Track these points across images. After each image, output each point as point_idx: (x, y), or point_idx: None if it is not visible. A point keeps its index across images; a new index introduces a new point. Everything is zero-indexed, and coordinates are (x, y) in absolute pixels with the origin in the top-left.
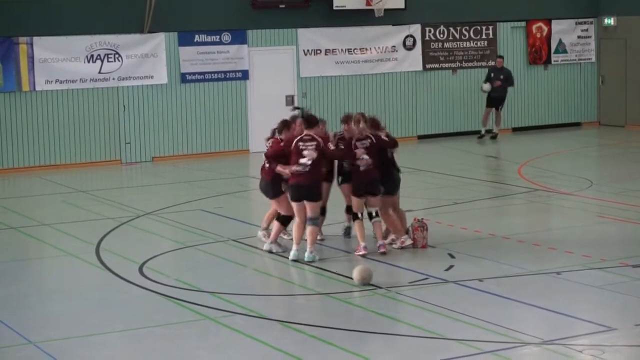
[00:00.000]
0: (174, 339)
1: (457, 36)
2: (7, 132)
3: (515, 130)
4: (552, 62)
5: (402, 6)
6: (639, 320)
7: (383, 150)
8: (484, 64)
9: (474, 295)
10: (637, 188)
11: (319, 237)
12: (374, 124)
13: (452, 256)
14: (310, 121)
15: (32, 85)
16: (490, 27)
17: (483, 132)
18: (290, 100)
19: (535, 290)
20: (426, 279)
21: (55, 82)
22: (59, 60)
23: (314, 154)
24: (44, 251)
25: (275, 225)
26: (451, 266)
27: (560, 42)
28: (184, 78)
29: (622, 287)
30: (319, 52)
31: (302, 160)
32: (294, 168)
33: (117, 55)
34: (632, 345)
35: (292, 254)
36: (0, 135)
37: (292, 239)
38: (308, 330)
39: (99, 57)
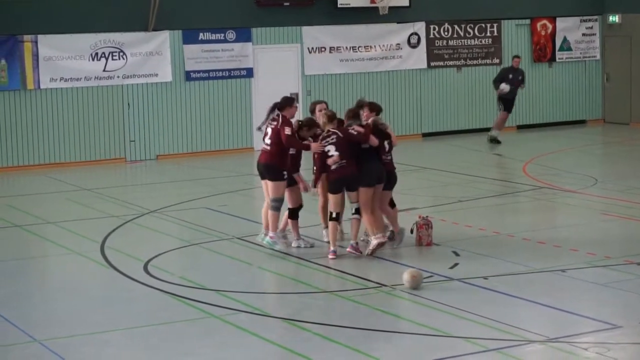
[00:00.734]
0: (179, 337)
1: (462, 34)
2: (11, 130)
3: (520, 128)
4: (557, 60)
5: (407, 4)
6: None
7: (356, 144)
8: (488, 61)
9: (478, 293)
10: None
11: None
12: (330, 118)
13: (456, 254)
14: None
15: (36, 83)
16: (495, 25)
17: (497, 136)
18: (294, 98)
19: (540, 288)
20: (431, 276)
21: (60, 80)
22: (64, 59)
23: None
24: (48, 249)
25: (290, 222)
26: (456, 264)
27: (564, 39)
28: (188, 76)
29: (627, 285)
30: (323, 49)
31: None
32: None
33: (121, 53)
34: (637, 342)
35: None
36: (5, 134)
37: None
38: (313, 329)
39: (103, 55)
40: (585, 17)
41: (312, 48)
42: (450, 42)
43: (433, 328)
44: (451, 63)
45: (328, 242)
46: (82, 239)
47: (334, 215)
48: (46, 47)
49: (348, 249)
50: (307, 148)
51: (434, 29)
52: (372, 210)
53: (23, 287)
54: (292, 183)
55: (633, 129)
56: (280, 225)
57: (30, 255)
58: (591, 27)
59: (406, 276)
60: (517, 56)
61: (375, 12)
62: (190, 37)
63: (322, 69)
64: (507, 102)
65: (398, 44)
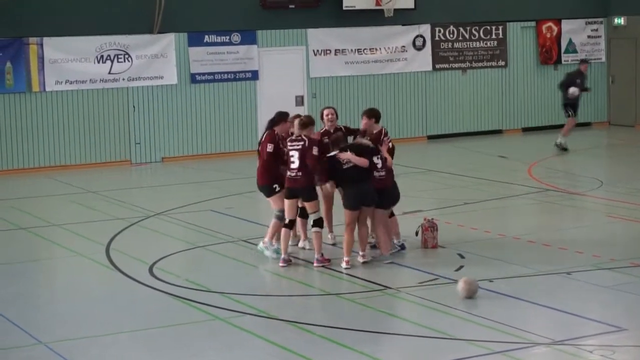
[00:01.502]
0: (184, 339)
1: (467, 36)
2: (17, 133)
3: (526, 130)
4: (563, 62)
5: (412, 6)
6: None
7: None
8: (493, 64)
9: (484, 295)
10: None
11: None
12: (303, 124)
13: (462, 256)
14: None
15: (42, 85)
16: (500, 27)
17: (565, 143)
18: (300, 100)
19: (545, 291)
20: (436, 279)
21: (65, 82)
22: (69, 61)
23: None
24: (53, 251)
25: (299, 220)
26: (461, 266)
27: (570, 41)
28: (193, 78)
29: (632, 287)
30: (328, 52)
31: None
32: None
33: (127, 56)
34: None
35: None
36: (11, 136)
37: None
38: (318, 331)
39: (108, 58)
40: (590, 20)
41: (318, 50)
42: (456, 45)
43: (438, 330)
44: (456, 65)
45: (333, 245)
46: (88, 241)
47: (286, 221)
48: (52, 50)
49: (315, 264)
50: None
51: (439, 31)
52: (359, 226)
53: (28, 289)
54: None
55: (638, 131)
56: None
57: (35, 257)
58: (596, 30)
59: (461, 284)
60: (586, 61)
61: (380, 15)
62: (195, 40)
63: (328, 71)
64: (575, 108)
65: (403, 46)
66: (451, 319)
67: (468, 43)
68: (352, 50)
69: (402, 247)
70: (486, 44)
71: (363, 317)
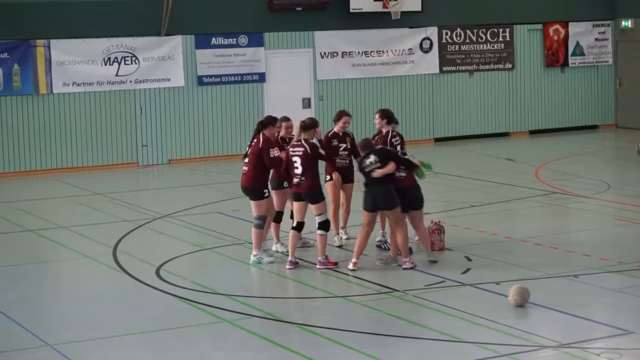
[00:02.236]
0: (191, 341)
1: (474, 39)
2: (24, 135)
3: (532, 132)
4: (569, 65)
5: (419, 9)
6: None
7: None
8: (500, 66)
9: (490, 298)
10: None
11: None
12: (305, 127)
13: (469, 259)
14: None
15: (49, 88)
16: (507, 30)
17: None
18: (307, 102)
19: (553, 294)
20: (443, 281)
21: (73, 84)
22: (76, 63)
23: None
24: (61, 253)
25: (274, 227)
26: (468, 269)
27: (577, 44)
28: (200, 81)
29: None
30: (335, 54)
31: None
32: None
33: (134, 58)
34: None
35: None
36: (18, 138)
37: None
38: (324, 333)
39: (116, 60)
40: (597, 22)
41: (325, 53)
42: (463, 47)
43: (445, 333)
44: (463, 68)
45: (340, 247)
46: (95, 243)
47: (294, 224)
48: (59, 52)
49: (317, 266)
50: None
51: (446, 33)
52: (367, 232)
53: (35, 291)
54: (279, 187)
55: None
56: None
57: (42, 259)
58: (604, 32)
59: (513, 293)
60: None
61: (387, 17)
62: (202, 42)
63: (335, 73)
64: None
65: (410, 48)
66: (458, 321)
67: (475, 45)
68: (359, 52)
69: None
70: (493, 46)
71: (370, 319)
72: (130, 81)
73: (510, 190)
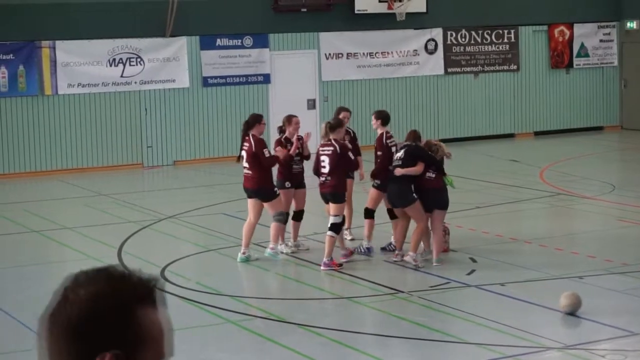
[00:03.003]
0: (195, 342)
1: (479, 40)
2: (29, 136)
3: (537, 134)
4: (574, 66)
5: (424, 10)
6: None
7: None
8: (505, 68)
9: (495, 299)
10: None
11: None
12: (331, 127)
13: (473, 260)
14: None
15: (54, 89)
16: (512, 31)
17: None
18: (311, 104)
19: (557, 295)
20: (448, 283)
21: (78, 85)
22: (81, 64)
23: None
24: (65, 254)
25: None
26: (473, 270)
27: (582, 45)
28: (205, 82)
29: None
30: (340, 55)
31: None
32: None
33: (139, 59)
34: None
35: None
36: (23, 139)
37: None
38: (329, 334)
39: (121, 61)
40: (602, 23)
41: (329, 54)
42: (468, 49)
43: (449, 334)
44: (468, 69)
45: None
46: (99, 244)
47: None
48: (64, 53)
49: (322, 267)
50: (281, 160)
51: (451, 35)
52: (402, 225)
53: (40, 293)
54: (282, 187)
55: None
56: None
57: (47, 260)
58: (609, 34)
59: (564, 300)
60: None
61: (392, 18)
62: (207, 43)
63: (339, 75)
64: None
65: (415, 50)
66: (463, 322)
67: (480, 47)
68: (364, 54)
69: (370, 250)
70: (498, 47)
71: (374, 320)
72: (135, 82)
73: (515, 192)
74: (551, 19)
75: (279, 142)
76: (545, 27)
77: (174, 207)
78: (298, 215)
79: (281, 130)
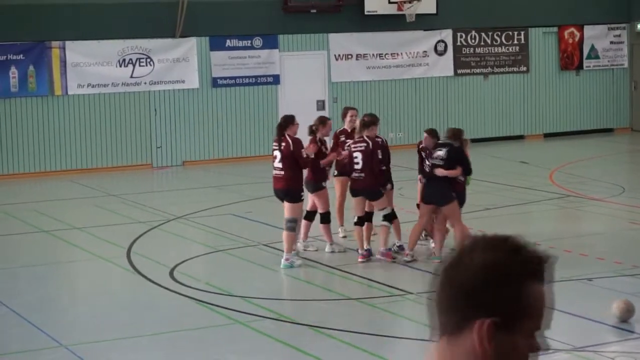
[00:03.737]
0: (205, 343)
1: (489, 41)
2: (39, 136)
3: (547, 136)
4: (584, 68)
5: (434, 11)
6: None
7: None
8: (515, 69)
9: None
10: None
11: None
12: (365, 124)
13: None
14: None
15: (64, 89)
16: (522, 33)
17: None
18: (321, 105)
19: (567, 297)
20: None
21: (87, 86)
22: (91, 65)
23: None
24: (75, 255)
25: (322, 227)
26: None
27: (592, 47)
28: (215, 82)
29: None
30: (350, 57)
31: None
32: None
33: (148, 60)
34: None
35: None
36: (33, 139)
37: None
38: (339, 336)
39: (130, 62)
40: (613, 25)
41: (339, 55)
42: (477, 50)
43: None
44: (478, 71)
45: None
46: (109, 244)
47: (355, 219)
48: (74, 54)
49: (378, 256)
50: (311, 163)
51: (461, 36)
52: (420, 224)
53: (50, 292)
54: (320, 188)
55: None
56: (301, 235)
57: (57, 260)
58: (619, 35)
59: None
60: None
61: (402, 20)
62: (217, 44)
63: (349, 76)
64: None
65: (425, 51)
66: None
67: (490, 48)
68: (373, 55)
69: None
70: (508, 49)
71: (383, 322)
72: (145, 83)
73: (525, 193)
74: (561, 20)
75: (314, 141)
76: (555, 29)
77: (183, 208)
78: (314, 216)
79: (312, 130)
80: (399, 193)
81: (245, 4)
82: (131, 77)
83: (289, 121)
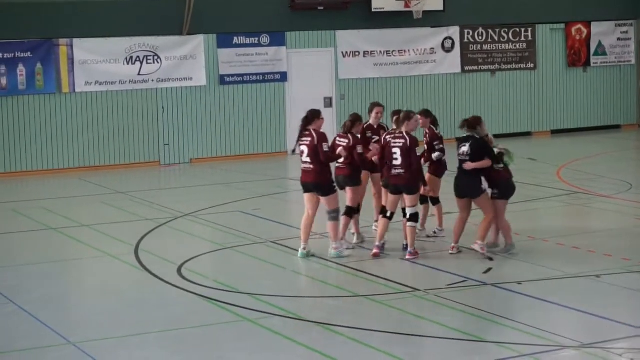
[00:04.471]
0: (212, 340)
1: (496, 38)
2: (47, 134)
3: (554, 132)
4: (592, 64)
5: (441, 8)
6: None
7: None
8: (522, 66)
9: (512, 297)
10: None
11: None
12: (400, 120)
13: (490, 259)
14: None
15: (71, 86)
16: (529, 29)
17: None
18: (328, 102)
19: (574, 293)
20: (464, 281)
21: (95, 83)
22: (99, 62)
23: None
24: (83, 252)
25: (342, 218)
26: (490, 269)
27: (599, 44)
28: (222, 80)
29: None
30: (357, 54)
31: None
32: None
33: (156, 57)
34: None
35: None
36: (41, 137)
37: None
38: (346, 333)
39: (138, 59)
40: (620, 22)
41: (346, 52)
42: (485, 47)
43: (466, 333)
44: (485, 67)
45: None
46: (117, 241)
47: (388, 214)
48: (81, 51)
49: (407, 257)
50: (339, 158)
51: (468, 33)
52: (462, 218)
53: (57, 290)
54: (356, 183)
55: None
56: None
57: (64, 257)
58: (626, 32)
59: None
60: None
61: (409, 17)
62: (224, 41)
63: (356, 73)
64: None
65: (432, 48)
66: (479, 321)
67: (497, 45)
68: (380, 52)
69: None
70: (515, 46)
71: (391, 319)
72: (153, 80)
73: (532, 190)
74: (568, 17)
75: (363, 131)
76: (562, 26)
77: (191, 205)
78: (353, 211)
79: (346, 127)
80: None
81: (253, 1)
82: (139, 74)
83: (315, 115)
